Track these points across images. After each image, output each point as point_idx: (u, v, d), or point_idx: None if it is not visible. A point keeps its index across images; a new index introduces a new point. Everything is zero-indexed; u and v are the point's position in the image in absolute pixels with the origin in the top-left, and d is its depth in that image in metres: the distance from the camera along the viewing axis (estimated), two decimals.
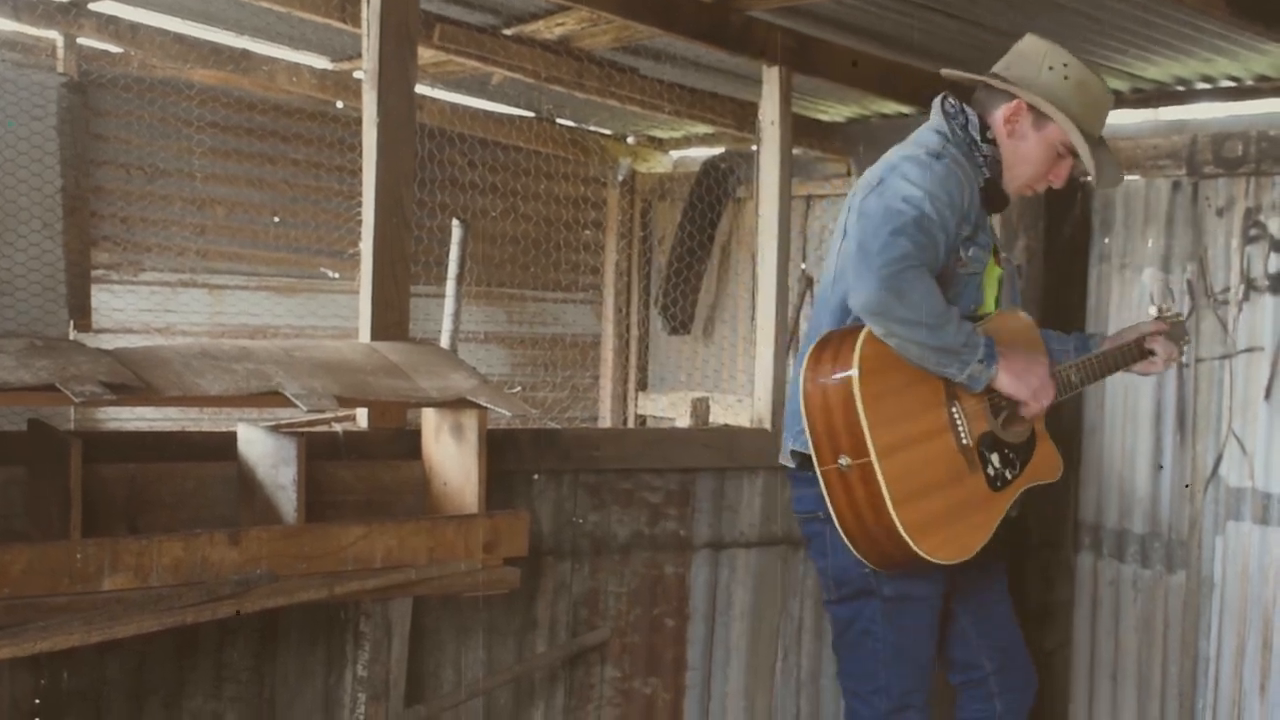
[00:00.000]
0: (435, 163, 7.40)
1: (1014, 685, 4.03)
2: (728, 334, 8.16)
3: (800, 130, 6.35)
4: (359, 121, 4.28)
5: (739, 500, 4.89)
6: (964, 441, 3.55)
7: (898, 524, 3.41)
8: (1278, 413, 5.17)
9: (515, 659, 4.40)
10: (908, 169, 3.56)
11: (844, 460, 3.46)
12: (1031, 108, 3.72)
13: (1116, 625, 5.60)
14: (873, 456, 3.42)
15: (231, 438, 3.77)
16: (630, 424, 8.52)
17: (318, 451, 3.81)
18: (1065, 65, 3.69)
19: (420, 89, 5.44)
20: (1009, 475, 3.63)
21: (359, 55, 4.47)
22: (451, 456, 3.93)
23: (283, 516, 3.56)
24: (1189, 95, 5.57)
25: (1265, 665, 5.20)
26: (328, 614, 3.92)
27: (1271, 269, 5.23)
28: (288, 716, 3.95)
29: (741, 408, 7.43)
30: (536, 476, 4.42)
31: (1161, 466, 5.40)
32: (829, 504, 3.54)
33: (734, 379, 8.05)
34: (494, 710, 4.40)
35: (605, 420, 8.60)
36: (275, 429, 3.85)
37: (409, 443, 4.07)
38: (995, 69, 3.85)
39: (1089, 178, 3.84)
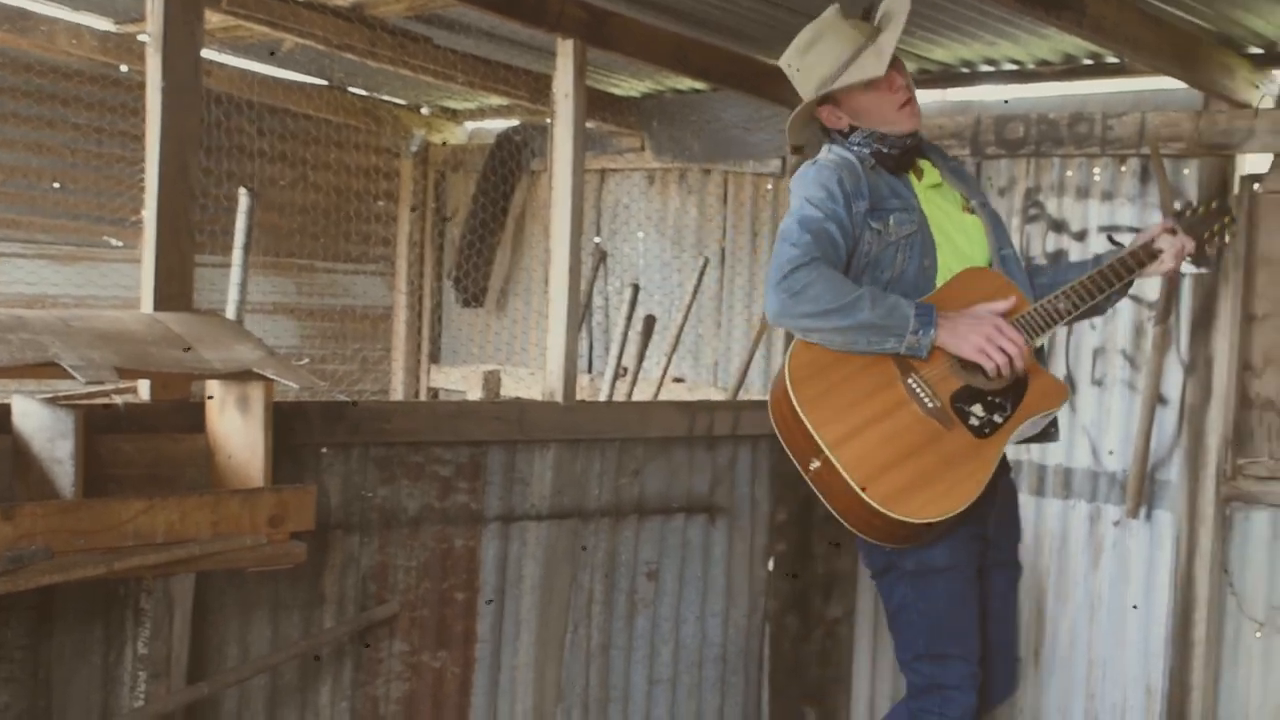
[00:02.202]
0: (222, 130, 7.25)
1: (994, 681, 3.99)
2: (521, 307, 8.16)
3: (595, 104, 6.36)
4: (143, 86, 4.16)
5: (530, 473, 4.89)
6: (930, 405, 3.60)
7: (872, 503, 3.52)
8: None
9: (302, 634, 4.34)
10: (794, 186, 3.83)
11: (813, 464, 3.59)
12: (827, 104, 3.90)
13: None
14: (828, 452, 3.55)
15: (5, 410, 3.64)
16: (422, 397, 8.47)
17: (97, 424, 3.70)
18: (796, 51, 3.91)
19: (207, 54, 5.33)
20: (998, 419, 3.64)
21: (143, 17, 4.34)
22: (237, 429, 3.85)
23: (60, 491, 3.46)
24: (973, 77, 5.71)
25: (1039, 631, 5.37)
26: (107, 591, 3.82)
27: (1049, 248, 5.40)
28: (65, 696, 3.84)
29: (534, 380, 7.44)
30: (325, 450, 4.35)
31: None
32: (829, 506, 3.67)
33: (526, 351, 8.05)
34: (280, 686, 4.33)
35: (397, 393, 8.53)
36: (52, 401, 3.73)
37: (193, 415, 3.98)
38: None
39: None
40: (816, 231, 3.64)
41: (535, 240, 7.94)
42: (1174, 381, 5.23)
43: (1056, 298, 3.74)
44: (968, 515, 3.59)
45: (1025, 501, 5.36)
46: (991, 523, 3.84)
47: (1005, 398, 3.65)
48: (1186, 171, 5.22)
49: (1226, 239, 4.07)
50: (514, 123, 7.96)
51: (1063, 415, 5.28)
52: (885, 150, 3.82)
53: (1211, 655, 5.12)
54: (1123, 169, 5.36)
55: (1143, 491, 5.24)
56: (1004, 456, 3.77)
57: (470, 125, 8.50)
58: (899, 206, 3.79)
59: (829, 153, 3.87)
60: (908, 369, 3.62)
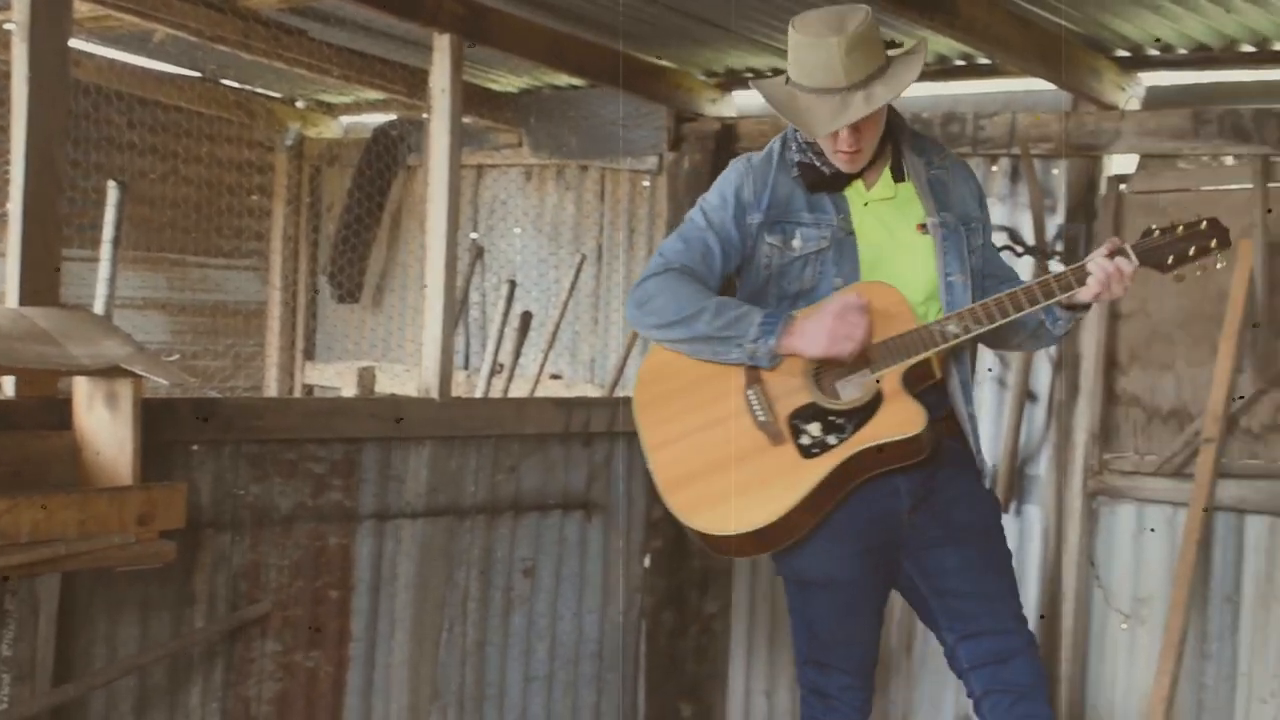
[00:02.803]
0: (91, 121, 7.11)
1: (986, 657, 3.63)
2: (397, 303, 8.10)
3: (472, 99, 6.33)
4: (9, 76, 4.08)
5: (405, 470, 4.85)
6: (762, 419, 3.52)
7: (671, 507, 3.57)
8: None
9: (171, 635, 4.28)
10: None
11: (647, 463, 3.64)
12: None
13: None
14: (646, 454, 3.62)
15: None
16: (297, 393, 8.38)
17: None
18: (792, 41, 3.53)
19: (76, 44, 5.23)
20: (831, 441, 3.48)
21: (9, 5, 4.25)
22: (105, 426, 3.79)
23: None
24: None
25: (910, 626, 5.44)
26: None
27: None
28: None
29: (409, 377, 7.39)
30: (196, 447, 4.29)
31: None
32: None
33: (402, 348, 8.00)
34: (148, 688, 4.27)
35: (271, 390, 8.43)
36: None
37: (59, 412, 3.90)
38: None
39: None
40: (690, 240, 3.66)
41: (411, 236, 7.88)
42: (1043, 378, 5.32)
43: (948, 319, 3.53)
44: (836, 532, 3.53)
45: None
46: (908, 526, 3.61)
47: (849, 419, 3.51)
48: (1056, 171, 5.32)
49: (1218, 265, 3.54)
50: (391, 117, 7.90)
51: None
52: (819, 166, 3.64)
53: (1079, 647, 5.22)
54: (994, 168, 5.45)
55: (1012, 486, 5.33)
56: (950, 446, 3.63)
57: (346, 119, 8.42)
58: (809, 222, 3.64)
59: (773, 143, 3.74)
60: (754, 380, 3.56)
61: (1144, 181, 5.18)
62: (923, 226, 3.65)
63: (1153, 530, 5.12)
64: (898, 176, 3.69)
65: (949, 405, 3.66)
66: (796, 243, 3.63)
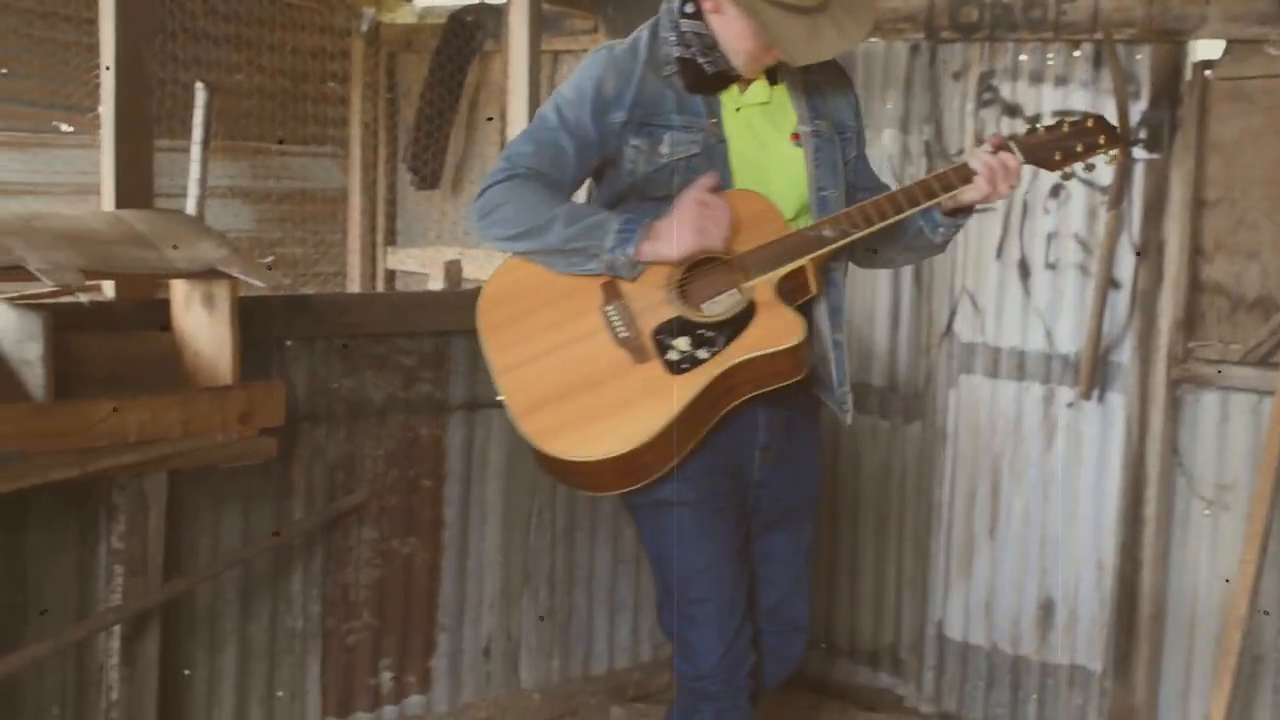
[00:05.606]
0: (167, 12, 7.13)
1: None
2: (475, 190, 8.11)
3: None
4: None
5: None
6: (622, 335, 3.25)
7: (526, 433, 3.27)
8: (1008, 270, 5.40)
9: (272, 526, 4.39)
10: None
11: (497, 395, 3.35)
12: None
13: (857, 473, 5.83)
14: (495, 378, 3.33)
15: None
16: (379, 280, 8.46)
17: (63, 324, 3.70)
18: None
19: None
20: (702, 355, 3.21)
21: None
22: (203, 327, 3.88)
23: (31, 393, 3.49)
24: None
25: (994, 510, 5.48)
26: (81, 490, 3.85)
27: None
28: (40, 590, 3.89)
29: (492, 261, 7.44)
30: (289, 343, 4.38)
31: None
32: None
33: None
34: (253, 577, 4.40)
35: (354, 276, 8.51)
36: (17, 301, 3.74)
37: (159, 313, 3.99)
38: None
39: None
40: (540, 141, 3.36)
41: (489, 123, 7.88)
42: (1126, 266, 5.29)
43: (823, 223, 3.31)
44: (708, 448, 3.32)
45: (980, 383, 5.45)
46: (758, 468, 3.49)
47: (720, 331, 3.24)
48: (1139, 57, 5.24)
49: (1105, 161, 3.53)
50: (467, 2, 7.87)
51: (1016, 299, 5.37)
52: (701, 64, 3.35)
53: (1161, 533, 5.23)
54: (1076, 54, 5.37)
55: (1095, 374, 5.32)
56: (807, 393, 3.47)
57: (421, 4, 8.40)
58: (680, 125, 3.34)
59: (640, 32, 3.43)
60: (612, 296, 3.29)
61: (1230, 68, 5.10)
62: (796, 136, 3.42)
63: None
64: (773, 79, 3.42)
65: (814, 327, 3.41)
66: (665, 148, 3.34)
